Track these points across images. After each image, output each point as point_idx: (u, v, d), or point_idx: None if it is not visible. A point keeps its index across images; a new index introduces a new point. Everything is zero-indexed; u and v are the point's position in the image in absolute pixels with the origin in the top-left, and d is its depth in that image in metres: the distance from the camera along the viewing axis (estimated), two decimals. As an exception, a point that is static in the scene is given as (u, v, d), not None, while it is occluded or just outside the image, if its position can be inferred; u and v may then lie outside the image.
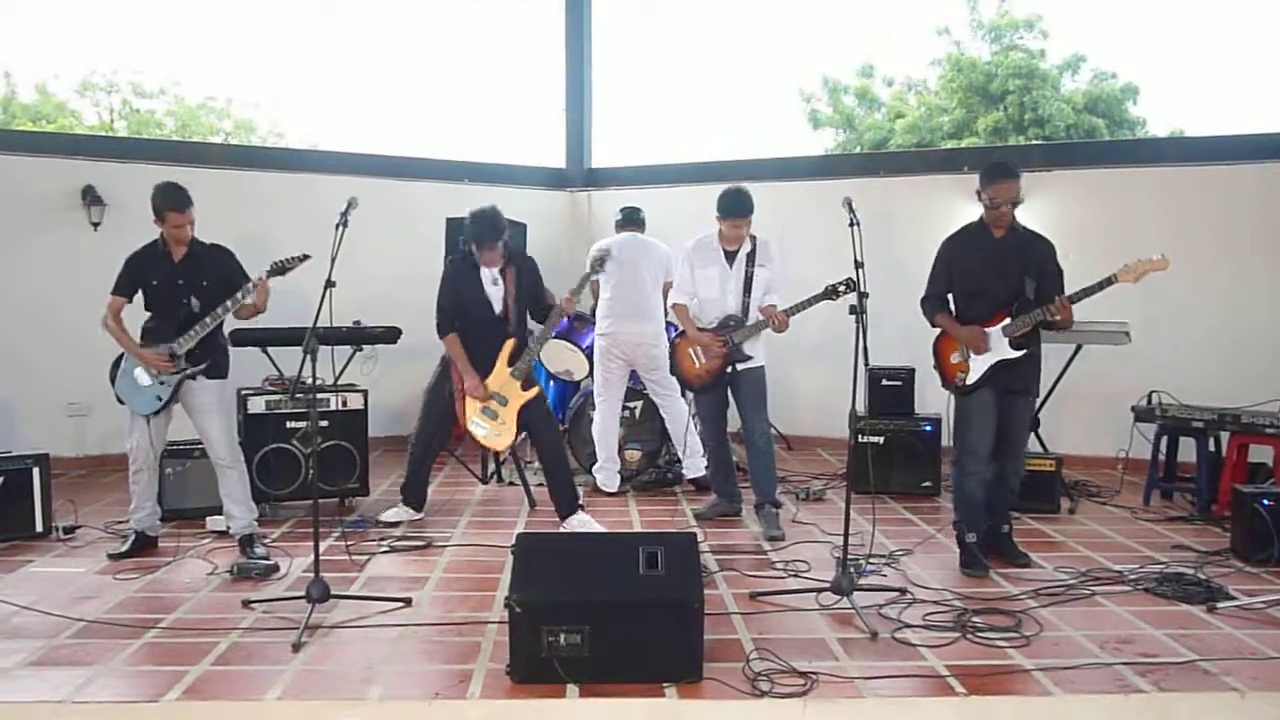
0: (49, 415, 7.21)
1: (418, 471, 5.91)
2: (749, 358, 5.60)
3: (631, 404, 6.76)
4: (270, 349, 6.43)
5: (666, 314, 6.65)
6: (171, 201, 4.89)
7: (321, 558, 4.18)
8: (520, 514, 6.07)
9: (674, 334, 6.82)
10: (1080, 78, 20.79)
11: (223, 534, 5.34)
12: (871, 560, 4.86)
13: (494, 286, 5.61)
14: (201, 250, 5.03)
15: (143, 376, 4.95)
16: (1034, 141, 18.53)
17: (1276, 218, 7.08)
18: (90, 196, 7.31)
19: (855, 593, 4.20)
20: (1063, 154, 9.67)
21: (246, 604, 4.30)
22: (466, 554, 5.20)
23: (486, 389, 5.54)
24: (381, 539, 5.43)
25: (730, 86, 33.89)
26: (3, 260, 7.18)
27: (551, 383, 7.49)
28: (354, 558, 5.01)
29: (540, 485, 5.99)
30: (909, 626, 4.03)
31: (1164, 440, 6.35)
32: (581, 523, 5.63)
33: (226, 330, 5.22)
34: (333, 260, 4.22)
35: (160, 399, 4.97)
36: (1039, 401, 5.70)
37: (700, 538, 4.70)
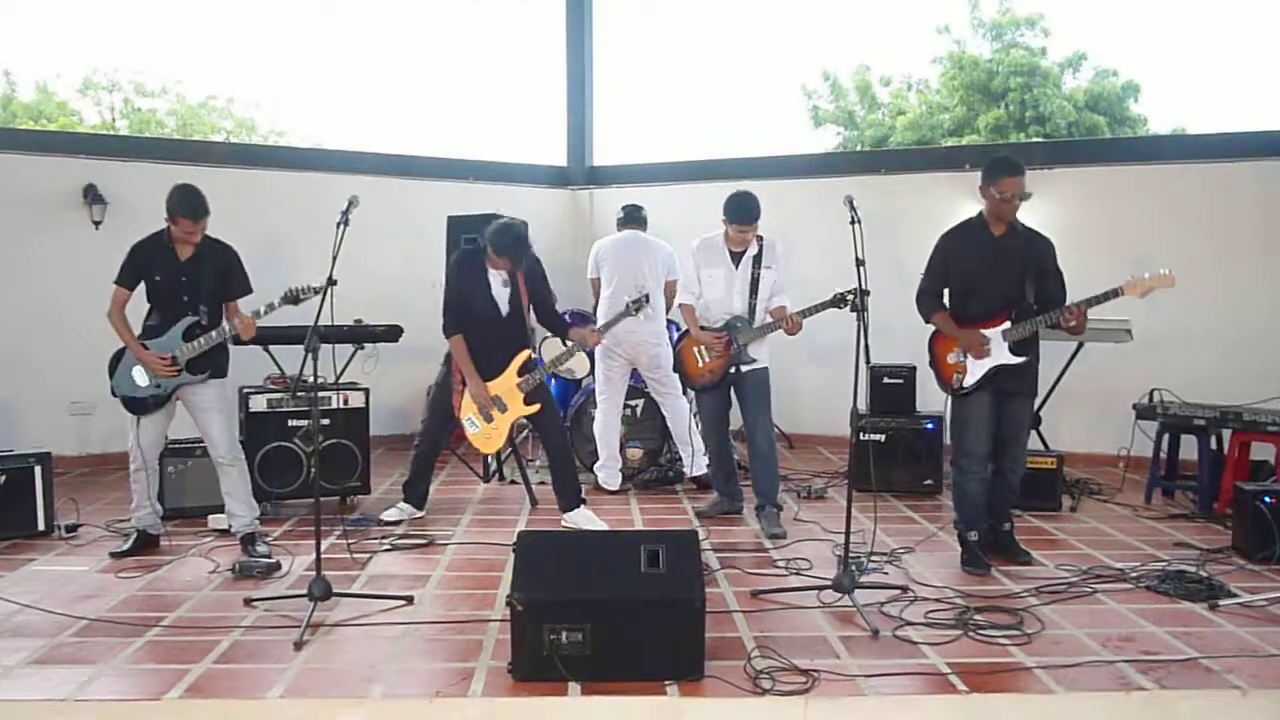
0: (51, 414, 7.21)
1: (421, 469, 5.92)
2: (753, 360, 5.59)
3: (633, 402, 6.76)
4: (272, 347, 6.43)
5: (668, 312, 6.66)
6: (188, 209, 4.87)
7: (323, 556, 4.19)
8: (522, 512, 6.07)
9: (675, 333, 6.85)
10: (1082, 75, 20.77)
11: (224, 532, 5.35)
12: (873, 558, 4.86)
13: (504, 288, 5.61)
14: (207, 249, 5.02)
15: (140, 376, 4.95)
16: (1035, 139, 18.52)
17: (1278, 215, 7.07)
18: (92, 195, 7.31)
19: (857, 591, 4.20)
20: (1064, 152, 9.68)
21: (248, 602, 4.30)
22: (468, 552, 5.20)
23: (489, 394, 5.55)
24: (383, 537, 5.43)
25: (732, 85, 33.88)
26: (4, 259, 7.19)
27: (553, 381, 7.49)
28: (355, 556, 5.01)
29: (542, 484, 5.99)
30: (910, 624, 4.03)
31: (1165, 438, 6.35)
32: (583, 518, 5.64)
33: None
34: (334, 259, 4.22)
35: (156, 400, 4.97)
36: (1040, 399, 5.70)
37: (702, 536, 4.69)
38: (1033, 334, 4.73)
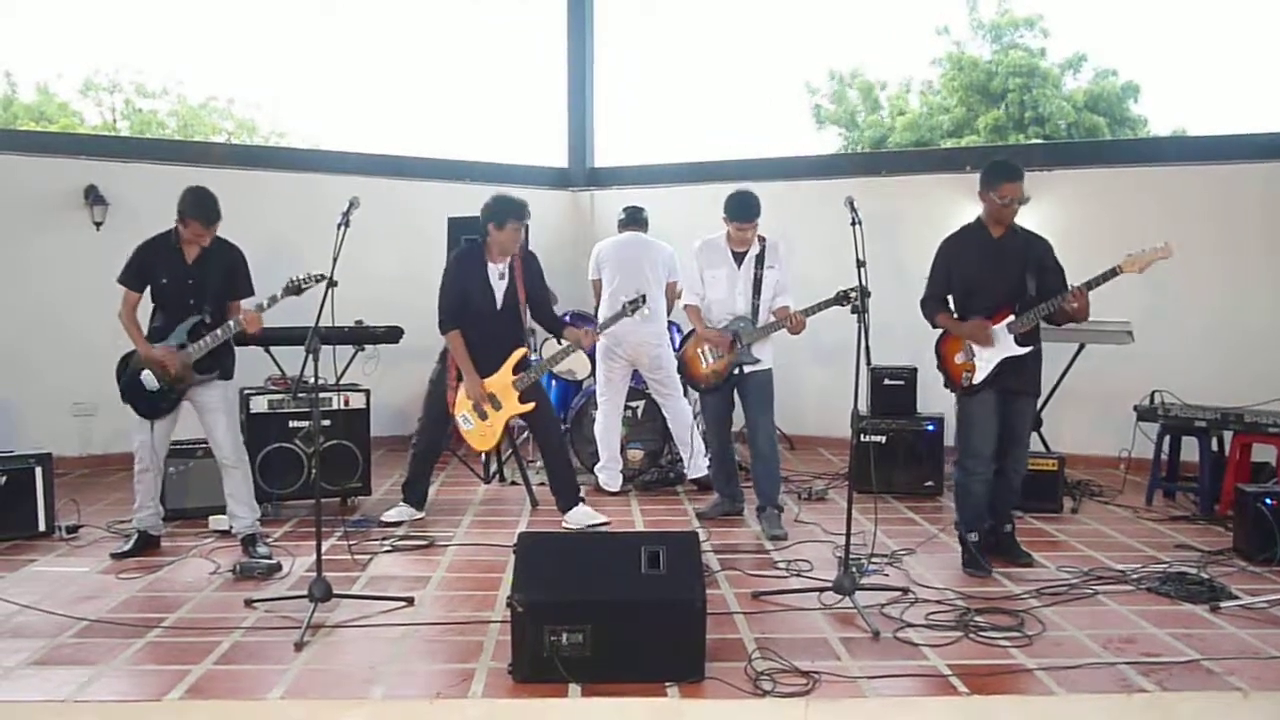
0: (52, 415, 7.21)
1: (420, 469, 5.91)
2: (757, 360, 5.59)
3: (634, 403, 6.76)
4: (273, 348, 6.43)
5: (669, 314, 6.66)
6: (200, 213, 4.87)
7: (324, 557, 4.19)
8: (522, 513, 6.07)
9: (676, 335, 6.85)
10: (1081, 76, 20.80)
11: (225, 533, 5.35)
12: (874, 560, 4.86)
13: (500, 281, 5.62)
14: (214, 250, 5.02)
15: (150, 381, 4.95)
16: (1034, 140, 18.53)
17: (1278, 217, 7.07)
18: (93, 196, 7.31)
19: (857, 592, 4.20)
20: (1064, 153, 9.69)
21: (249, 603, 4.30)
22: (469, 553, 5.20)
23: (484, 391, 5.55)
24: (384, 538, 5.43)
25: (732, 86, 33.92)
26: (5, 260, 7.19)
27: (554, 382, 7.49)
28: (356, 557, 5.01)
29: (542, 485, 5.99)
30: (911, 626, 4.03)
31: (1166, 440, 6.35)
32: (583, 515, 5.64)
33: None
34: (335, 260, 4.22)
35: (166, 405, 4.98)
36: (1041, 401, 5.69)
37: (702, 537, 4.69)
38: (1036, 324, 4.73)
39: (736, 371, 5.60)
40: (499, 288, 5.61)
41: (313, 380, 4.28)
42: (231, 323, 4.94)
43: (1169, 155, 7.94)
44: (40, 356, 7.22)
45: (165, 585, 4.67)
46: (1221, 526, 5.65)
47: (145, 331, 5.01)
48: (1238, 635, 3.96)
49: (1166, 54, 30.54)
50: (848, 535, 4.32)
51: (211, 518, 5.54)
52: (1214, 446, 6.09)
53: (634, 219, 6.79)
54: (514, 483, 6.72)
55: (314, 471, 5.62)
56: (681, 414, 6.53)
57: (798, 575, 4.76)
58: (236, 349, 5.21)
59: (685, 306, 5.82)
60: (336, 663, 3.68)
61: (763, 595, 4.40)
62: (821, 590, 4.36)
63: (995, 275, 4.79)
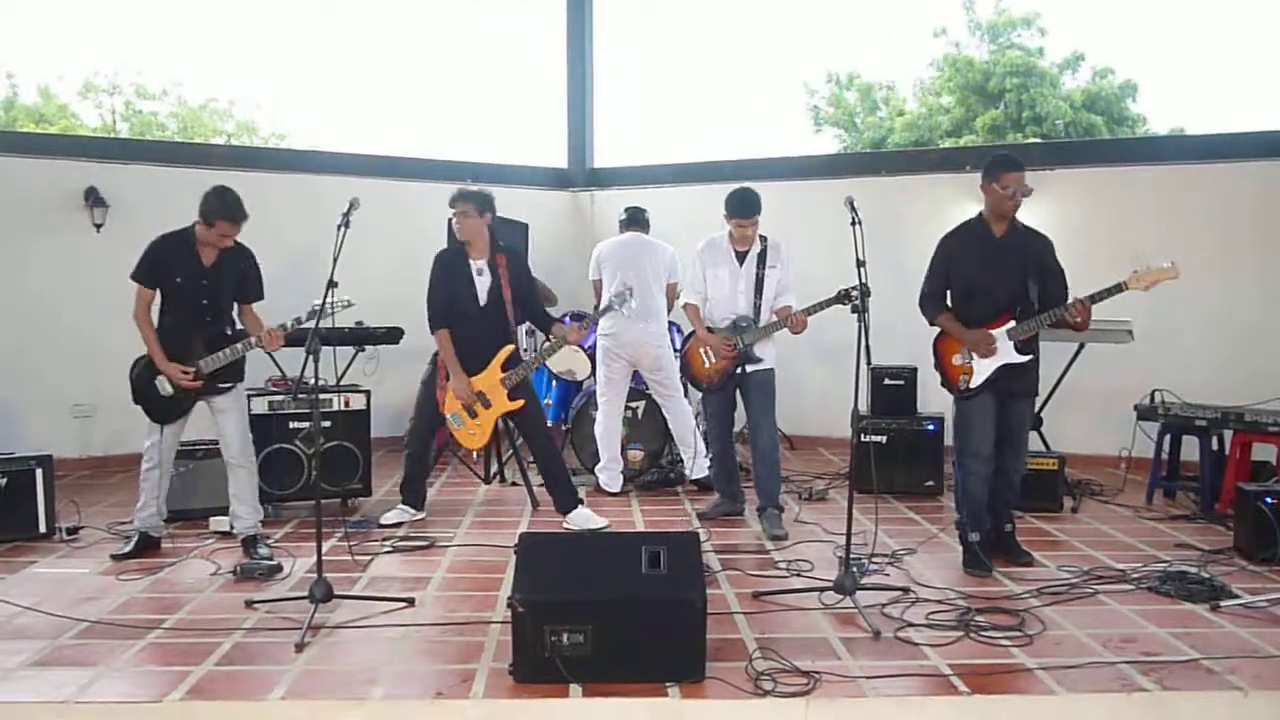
0: (52, 416, 7.22)
1: (415, 469, 5.91)
2: (760, 360, 5.59)
3: (634, 404, 6.76)
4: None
5: (669, 314, 6.66)
6: (229, 213, 4.84)
7: (324, 558, 4.19)
8: (523, 514, 6.07)
9: (677, 335, 6.84)
10: (1079, 75, 20.81)
11: (226, 534, 5.34)
12: (874, 559, 4.86)
13: (480, 277, 5.63)
14: (231, 253, 5.00)
15: (164, 386, 4.94)
16: (1032, 140, 18.53)
17: (1277, 215, 7.07)
18: (93, 198, 7.31)
19: (858, 592, 4.20)
20: (1062, 152, 9.69)
21: (250, 604, 4.30)
22: (469, 554, 5.20)
23: (472, 389, 5.56)
24: (384, 539, 5.43)
25: (732, 86, 33.94)
26: (5, 262, 7.19)
27: (554, 382, 7.49)
28: (356, 558, 5.01)
29: (542, 485, 5.99)
30: (912, 626, 4.03)
31: (1167, 439, 6.35)
32: (583, 518, 5.64)
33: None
34: (335, 261, 4.22)
35: (182, 411, 5.00)
36: (1041, 400, 5.70)
37: (703, 537, 4.69)
38: (1037, 332, 4.73)
39: (738, 371, 5.61)
40: (480, 284, 5.62)
41: (313, 381, 4.29)
42: (252, 340, 4.92)
43: (1167, 154, 7.94)
44: (40, 358, 7.22)
45: (166, 586, 4.67)
46: (1222, 525, 5.65)
47: (155, 329, 4.97)
48: (1238, 634, 3.95)
49: (1164, 52, 30.59)
50: (848, 535, 4.32)
51: (212, 519, 5.54)
52: (1214, 445, 6.09)
53: (635, 219, 6.79)
54: (514, 483, 6.72)
55: (314, 472, 5.63)
56: (683, 415, 6.53)
57: (798, 575, 4.76)
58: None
59: (685, 306, 5.82)
60: (337, 663, 3.69)
61: (763, 595, 4.40)
62: (822, 590, 4.36)
63: (996, 276, 4.78)
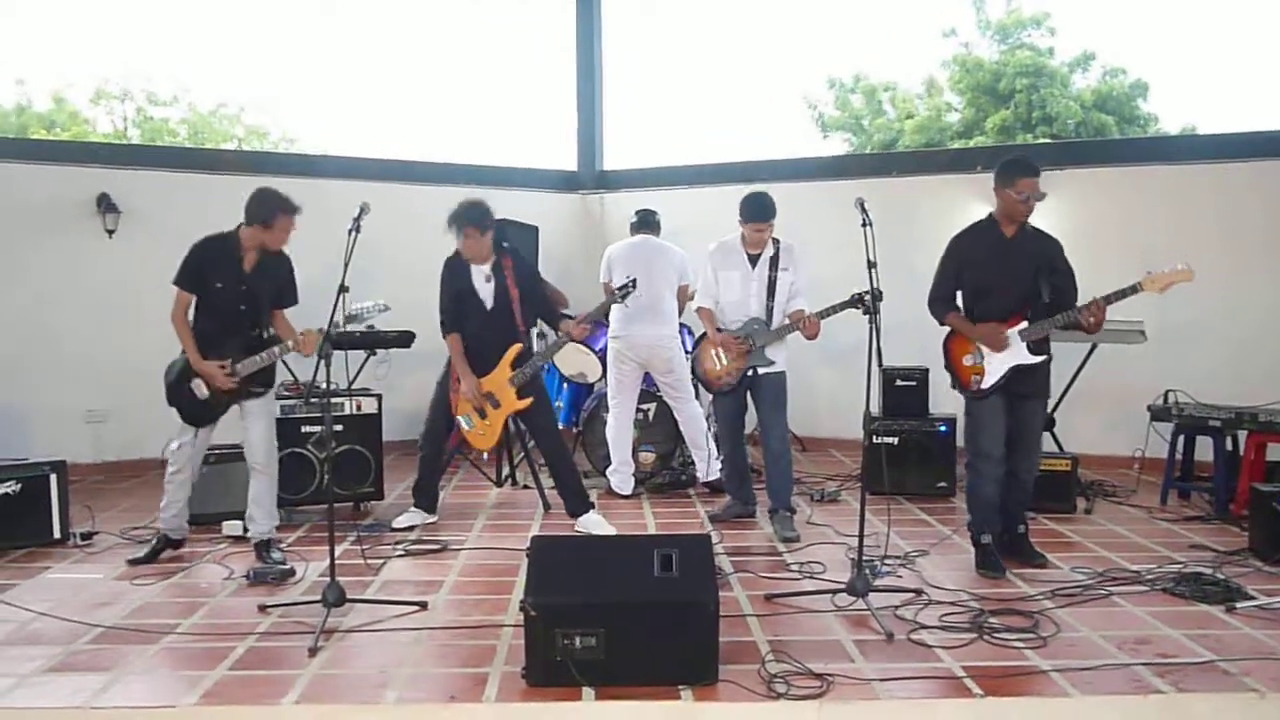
0: (66, 421, 7.24)
1: (429, 472, 5.93)
2: (771, 362, 5.59)
3: (645, 406, 6.76)
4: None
5: (681, 316, 6.65)
6: (289, 207, 4.88)
7: (337, 562, 4.19)
8: (535, 517, 6.08)
9: (688, 338, 6.83)
10: (1090, 75, 20.72)
11: (239, 538, 5.36)
12: (887, 561, 4.85)
13: (486, 284, 5.64)
14: (269, 259, 5.02)
15: (200, 389, 4.95)
16: (1043, 140, 18.48)
17: (1292, 215, 7.04)
18: (105, 204, 7.34)
19: (871, 594, 4.19)
20: (1073, 152, 9.66)
21: (263, 608, 4.31)
22: (481, 557, 5.21)
23: (481, 391, 5.57)
24: (396, 543, 5.44)
25: (742, 88, 33.89)
26: (18, 267, 7.22)
27: (565, 385, 7.50)
28: (369, 562, 5.02)
29: (553, 488, 6.00)
30: (925, 628, 4.02)
31: (1181, 439, 6.32)
32: (594, 523, 5.65)
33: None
34: (346, 265, 4.23)
35: (215, 415, 5.01)
36: (1054, 401, 5.68)
37: (715, 539, 4.69)
38: (1049, 332, 4.72)
39: (750, 373, 5.60)
40: (485, 290, 5.65)
41: (325, 385, 4.30)
42: (290, 343, 4.91)
43: (1178, 154, 7.91)
44: (53, 363, 7.25)
45: (180, 591, 4.68)
46: (1236, 526, 5.62)
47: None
48: (1253, 636, 3.94)
49: (1175, 52, 30.43)
50: (860, 537, 4.30)
51: (225, 523, 5.55)
52: (1229, 446, 6.05)
53: (646, 222, 6.79)
54: (526, 486, 6.73)
55: (326, 477, 5.64)
56: (694, 418, 6.53)
57: (810, 577, 4.75)
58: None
59: (698, 309, 5.82)
60: (350, 667, 3.69)
61: (776, 597, 4.39)
62: (835, 592, 4.35)
63: (1007, 276, 4.77)
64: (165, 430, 5.15)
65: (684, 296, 6.57)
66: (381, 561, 5.08)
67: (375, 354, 6.74)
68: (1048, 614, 4.17)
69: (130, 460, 7.31)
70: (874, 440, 6.17)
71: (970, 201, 6.35)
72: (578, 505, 5.73)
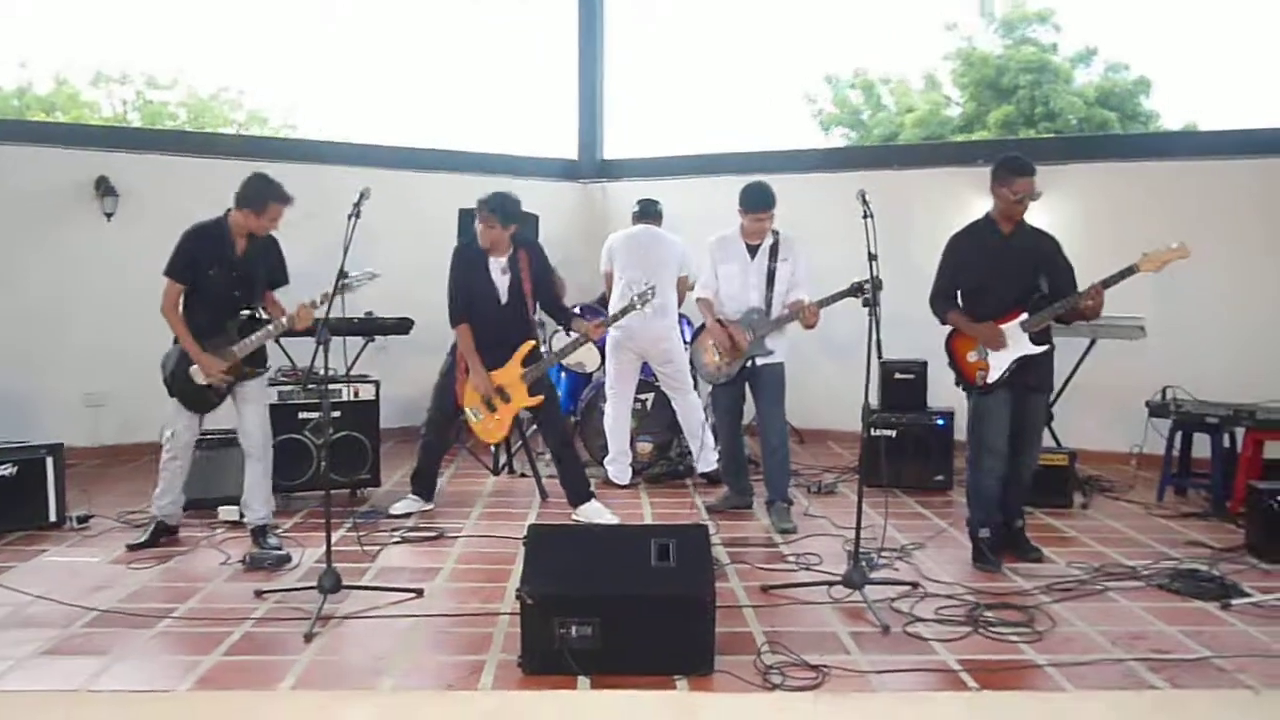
0: (63, 406, 7.22)
1: (428, 459, 5.92)
2: (770, 352, 5.59)
3: (643, 396, 6.75)
4: (283, 339, 6.43)
5: (680, 307, 6.65)
6: (282, 195, 4.88)
7: (333, 548, 4.20)
8: (532, 505, 6.08)
9: (687, 328, 6.83)
10: (1092, 70, 20.71)
11: (235, 524, 5.36)
12: (883, 554, 4.85)
13: (502, 276, 5.63)
14: (259, 243, 5.01)
15: (199, 375, 4.94)
16: (1045, 135, 18.45)
17: (1293, 212, 7.03)
18: (104, 188, 7.31)
19: (867, 586, 4.20)
20: (1075, 148, 9.64)
21: (259, 594, 4.31)
22: (478, 545, 5.21)
23: (492, 383, 5.57)
24: (393, 530, 5.44)
25: (744, 78, 33.80)
26: (16, 251, 7.20)
27: (563, 374, 7.49)
28: (366, 548, 5.02)
29: (551, 477, 6.00)
30: (921, 620, 4.02)
31: (1178, 436, 6.32)
32: (595, 511, 5.64)
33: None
34: (345, 251, 4.23)
35: (216, 400, 4.99)
36: (1052, 396, 5.67)
37: (712, 530, 4.69)
38: (1049, 321, 4.72)
39: (749, 365, 5.60)
40: (502, 283, 5.63)
41: (322, 372, 4.29)
42: (284, 320, 4.91)
43: (1180, 150, 7.91)
44: (50, 347, 7.23)
45: (176, 576, 4.68)
46: (1233, 523, 5.62)
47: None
48: (1249, 633, 3.94)
49: (1177, 48, 30.37)
50: (858, 529, 4.31)
51: (221, 508, 5.55)
52: (1226, 443, 6.04)
53: (647, 212, 6.78)
54: (523, 475, 6.72)
55: (323, 463, 5.63)
56: (692, 408, 6.52)
57: (807, 569, 4.75)
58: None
59: (698, 300, 5.82)
60: (346, 654, 3.70)
61: (772, 589, 4.40)
62: (831, 584, 4.35)
63: (1004, 274, 4.78)
64: (163, 414, 5.14)
65: (683, 287, 6.56)
66: (378, 548, 5.07)
67: (373, 340, 6.73)
68: (1043, 608, 4.17)
69: (128, 444, 7.30)
70: (872, 433, 6.17)
71: (971, 195, 6.33)
72: (579, 496, 5.72)
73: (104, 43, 35.86)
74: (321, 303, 4.81)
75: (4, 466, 5.36)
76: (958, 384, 4.99)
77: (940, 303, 4.96)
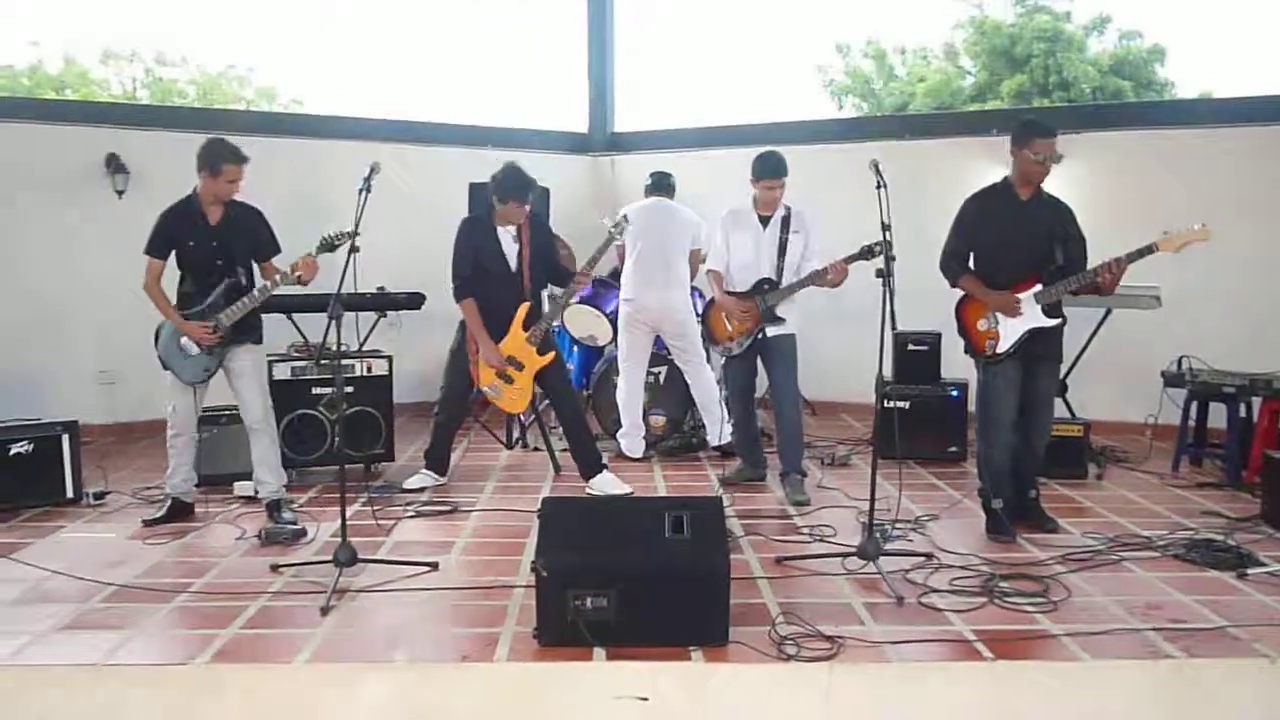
0: (78, 383, 7.25)
1: (442, 436, 5.93)
2: (782, 320, 5.57)
3: (656, 369, 6.74)
4: (295, 315, 6.45)
5: (693, 279, 6.62)
6: (234, 155, 4.87)
7: (348, 522, 4.21)
8: (545, 478, 6.08)
9: (700, 300, 6.81)
10: (1106, 39, 20.49)
11: (251, 499, 5.38)
12: (897, 525, 4.85)
13: (512, 244, 5.64)
14: (236, 212, 5.03)
15: (190, 346, 4.95)
16: (1059, 104, 18.29)
17: (1309, 180, 6.95)
18: (114, 165, 7.31)
19: (881, 557, 4.19)
20: (1090, 117, 9.53)
21: (275, 568, 4.33)
22: (492, 519, 5.22)
23: (502, 356, 5.57)
24: (408, 504, 5.46)
25: (755, 49, 33.53)
26: (28, 229, 7.21)
27: (575, 348, 7.48)
28: (380, 523, 5.03)
29: (564, 450, 6.01)
30: (935, 591, 4.02)
31: (1194, 406, 6.28)
32: (607, 482, 5.65)
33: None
34: (356, 225, 4.22)
35: (208, 370, 5.00)
36: (1067, 367, 5.65)
37: (726, 503, 4.69)
38: (1064, 295, 4.69)
39: (760, 336, 5.58)
40: (511, 252, 5.65)
41: (336, 347, 4.29)
42: (267, 284, 4.94)
43: (1195, 118, 7.79)
44: (65, 325, 7.26)
45: (192, 550, 4.71)
46: (1249, 493, 5.60)
47: (175, 298, 4.99)
48: (1264, 602, 3.93)
49: (1192, 15, 29.99)
50: (871, 501, 4.30)
51: (236, 483, 5.57)
52: (1242, 412, 6.01)
53: (660, 185, 6.74)
54: (536, 448, 6.73)
55: (337, 438, 5.65)
56: (706, 382, 6.50)
57: (821, 540, 4.75)
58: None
59: (708, 272, 5.80)
60: (362, 627, 3.71)
61: (786, 560, 4.40)
62: (845, 555, 4.36)
63: (1020, 240, 4.73)
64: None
65: (695, 260, 6.53)
66: (392, 522, 5.09)
67: (385, 315, 6.74)
68: (1058, 579, 4.17)
69: (143, 420, 7.33)
70: (886, 404, 6.14)
71: (985, 165, 6.27)
72: (591, 467, 5.73)
73: (112, 20, 35.75)
74: (319, 253, 4.82)
75: (21, 444, 5.39)
76: (966, 351, 4.96)
77: (954, 264, 4.91)
